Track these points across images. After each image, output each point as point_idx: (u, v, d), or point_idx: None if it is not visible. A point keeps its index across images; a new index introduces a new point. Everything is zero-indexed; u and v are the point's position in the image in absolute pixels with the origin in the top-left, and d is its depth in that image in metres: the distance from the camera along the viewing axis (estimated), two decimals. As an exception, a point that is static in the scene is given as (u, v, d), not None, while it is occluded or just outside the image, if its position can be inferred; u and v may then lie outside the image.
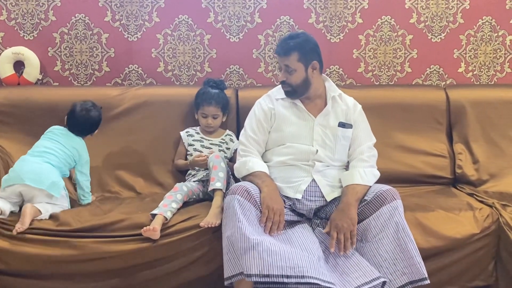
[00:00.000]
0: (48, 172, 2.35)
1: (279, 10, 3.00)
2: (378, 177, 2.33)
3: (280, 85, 2.44)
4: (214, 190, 2.32)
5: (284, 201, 2.26)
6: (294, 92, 2.34)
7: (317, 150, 2.31)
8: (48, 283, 2.22)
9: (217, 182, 2.32)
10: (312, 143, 2.33)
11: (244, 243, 2.00)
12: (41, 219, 2.26)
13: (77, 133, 2.51)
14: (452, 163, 2.82)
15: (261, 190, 2.18)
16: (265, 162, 2.36)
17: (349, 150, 2.38)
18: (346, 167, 2.40)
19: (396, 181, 2.71)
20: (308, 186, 2.27)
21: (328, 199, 2.27)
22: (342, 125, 2.36)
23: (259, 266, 1.94)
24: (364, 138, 2.38)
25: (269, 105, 2.39)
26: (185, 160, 2.65)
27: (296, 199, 2.25)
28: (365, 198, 2.20)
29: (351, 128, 2.38)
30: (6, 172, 2.45)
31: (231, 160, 2.65)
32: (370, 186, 2.25)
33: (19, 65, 2.90)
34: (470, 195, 2.63)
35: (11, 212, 2.30)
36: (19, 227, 2.19)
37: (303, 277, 1.94)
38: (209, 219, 2.20)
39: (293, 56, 2.28)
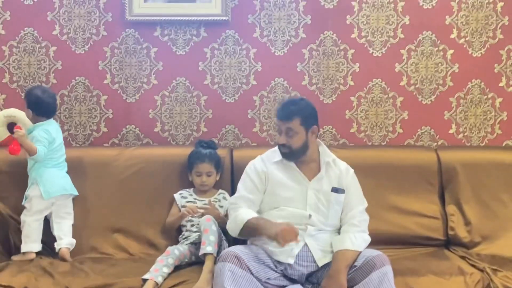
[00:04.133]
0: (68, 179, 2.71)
1: (274, 73, 3.09)
2: (369, 243, 2.35)
3: (275, 148, 2.49)
4: (205, 254, 2.34)
5: (276, 266, 2.27)
6: (292, 154, 2.38)
7: (310, 215, 2.34)
8: None
9: (208, 246, 2.34)
10: (306, 208, 2.36)
11: None
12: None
13: (53, 114, 2.75)
14: (444, 224, 2.84)
15: (261, 234, 2.21)
16: None
17: (341, 214, 2.41)
18: (338, 231, 2.42)
19: (389, 242, 2.73)
20: (300, 250, 2.29)
21: (320, 264, 2.29)
22: (335, 190, 2.39)
23: None
24: (355, 203, 2.41)
25: (263, 168, 2.43)
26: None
27: (288, 264, 2.26)
28: (355, 264, 2.22)
29: (344, 193, 2.41)
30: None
31: (226, 216, 2.68)
32: (361, 252, 2.26)
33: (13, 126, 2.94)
34: (463, 258, 2.63)
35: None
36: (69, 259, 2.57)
37: None
38: (200, 285, 2.21)
39: (295, 120, 2.34)
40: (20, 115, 2.88)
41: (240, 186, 2.46)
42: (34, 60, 3.01)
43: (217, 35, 3.05)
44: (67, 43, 3.01)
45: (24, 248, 2.58)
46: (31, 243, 2.59)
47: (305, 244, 2.30)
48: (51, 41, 3.01)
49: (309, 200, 2.37)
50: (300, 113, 2.35)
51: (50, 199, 2.61)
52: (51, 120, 2.72)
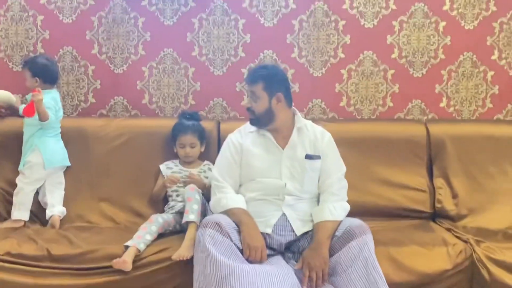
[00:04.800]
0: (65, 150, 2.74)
1: (263, 45, 3.06)
2: (348, 210, 2.34)
3: None
4: (188, 223, 2.34)
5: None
6: (258, 120, 2.38)
7: (285, 184, 2.33)
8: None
9: (191, 215, 2.34)
10: (281, 177, 2.34)
11: (216, 275, 2.02)
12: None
13: (57, 81, 2.81)
14: (432, 197, 2.83)
15: (239, 229, 2.20)
16: None
17: (318, 181, 2.39)
18: (317, 199, 2.41)
19: (376, 214, 2.74)
20: (278, 220, 2.28)
21: (298, 234, 2.28)
22: (309, 157, 2.36)
23: None
24: (333, 170, 2.38)
25: (239, 140, 2.43)
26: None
27: (266, 233, 2.26)
28: (336, 233, 2.21)
29: (319, 159, 2.38)
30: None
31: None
32: (341, 221, 2.26)
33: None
34: (448, 230, 2.62)
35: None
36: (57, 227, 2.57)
37: None
38: (181, 252, 2.22)
39: (258, 85, 2.34)
40: (3, 96, 2.80)
41: (219, 159, 2.45)
42: (22, 29, 2.99)
43: (205, 5, 3.02)
44: (55, 12, 2.99)
45: (16, 215, 2.60)
46: (24, 211, 2.61)
47: (283, 214, 2.30)
48: (38, 10, 2.99)
49: (283, 169, 2.35)
50: (265, 78, 2.33)
51: (49, 169, 2.62)
52: (55, 89, 2.75)
